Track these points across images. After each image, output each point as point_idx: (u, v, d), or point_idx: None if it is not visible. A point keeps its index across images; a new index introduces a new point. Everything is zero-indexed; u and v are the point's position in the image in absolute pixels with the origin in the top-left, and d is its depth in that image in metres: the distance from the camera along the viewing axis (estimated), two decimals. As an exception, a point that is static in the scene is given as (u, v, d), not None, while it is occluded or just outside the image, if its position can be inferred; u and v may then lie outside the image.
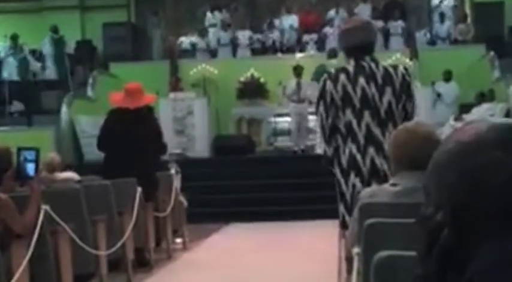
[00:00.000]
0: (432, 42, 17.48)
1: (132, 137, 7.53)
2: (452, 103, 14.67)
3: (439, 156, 1.13)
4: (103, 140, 7.75)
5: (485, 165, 1.06)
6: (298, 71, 14.37)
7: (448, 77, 14.87)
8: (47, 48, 17.06)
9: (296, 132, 14.40)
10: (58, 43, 17.06)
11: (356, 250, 2.99)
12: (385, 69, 4.55)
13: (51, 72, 16.95)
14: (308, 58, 16.28)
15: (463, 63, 15.61)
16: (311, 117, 14.03)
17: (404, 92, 4.51)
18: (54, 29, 17.15)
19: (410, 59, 15.57)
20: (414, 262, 1.70)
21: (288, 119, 14.83)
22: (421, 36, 17.25)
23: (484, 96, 13.64)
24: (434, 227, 1.07)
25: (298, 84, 14.28)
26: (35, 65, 16.95)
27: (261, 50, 17.77)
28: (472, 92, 14.18)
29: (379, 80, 4.49)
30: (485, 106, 13.01)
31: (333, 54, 14.62)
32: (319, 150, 13.64)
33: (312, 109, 13.85)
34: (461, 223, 1.06)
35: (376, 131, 4.45)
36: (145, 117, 7.84)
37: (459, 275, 1.05)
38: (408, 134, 3.18)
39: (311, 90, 13.93)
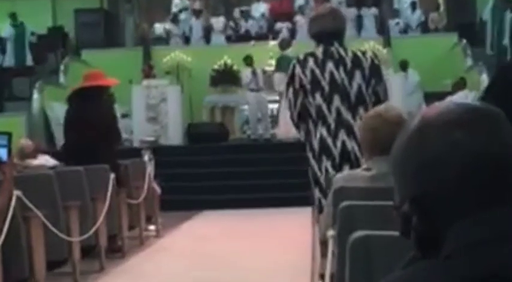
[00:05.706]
0: (405, 31, 17.55)
1: (85, 121, 7.37)
2: (414, 91, 14.59)
3: (397, 147, 1.13)
4: (65, 128, 7.86)
5: (443, 151, 1.06)
6: (248, 61, 14.40)
7: (404, 66, 14.87)
8: (7, 35, 16.65)
9: (255, 120, 14.35)
10: (18, 30, 16.63)
11: (331, 233, 3.00)
12: (354, 53, 4.56)
13: (11, 59, 16.53)
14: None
15: (435, 52, 15.70)
16: (270, 106, 14.35)
17: (374, 76, 4.52)
18: (13, 16, 16.60)
19: (384, 47, 15.64)
20: (390, 242, 1.71)
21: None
22: (394, 24, 17.31)
23: (457, 85, 13.70)
24: (404, 216, 1.09)
25: (254, 73, 14.25)
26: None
27: (235, 37, 17.73)
28: (445, 80, 14.26)
29: (348, 64, 4.50)
30: (460, 94, 13.06)
31: (285, 44, 14.61)
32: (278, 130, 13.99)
33: (271, 97, 14.21)
34: (426, 211, 1.07)
35: (347, 114, 4.46)
36: (96, 98, 7.56)
37: (437, 255, 1.06)
38: (378, 119, 3.16)
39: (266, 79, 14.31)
